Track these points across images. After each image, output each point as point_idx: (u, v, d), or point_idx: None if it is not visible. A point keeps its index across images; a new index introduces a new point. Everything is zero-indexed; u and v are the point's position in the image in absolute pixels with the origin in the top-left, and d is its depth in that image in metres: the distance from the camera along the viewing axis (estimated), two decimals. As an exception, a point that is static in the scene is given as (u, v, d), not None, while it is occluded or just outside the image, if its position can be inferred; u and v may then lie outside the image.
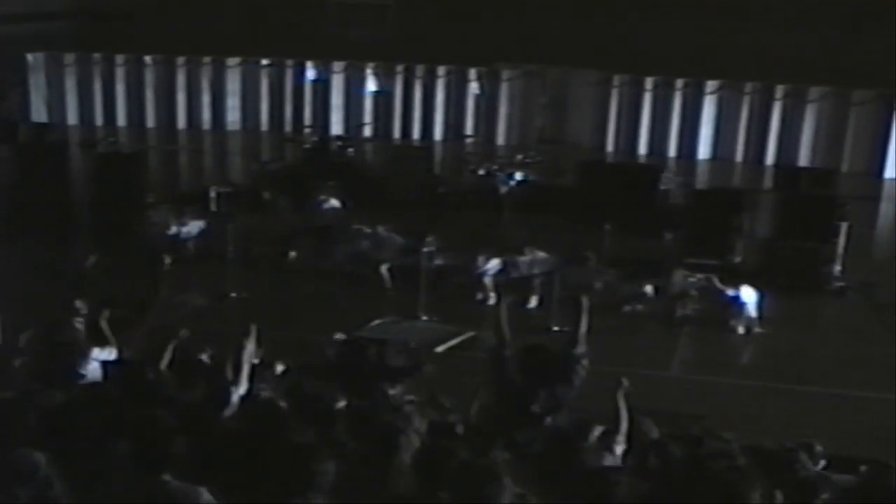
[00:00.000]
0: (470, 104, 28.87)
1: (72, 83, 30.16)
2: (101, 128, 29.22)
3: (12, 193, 18.96)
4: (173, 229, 17.69)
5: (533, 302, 15.33)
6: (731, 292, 15.12)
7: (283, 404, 7.35)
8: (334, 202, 18.86)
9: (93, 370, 8.75)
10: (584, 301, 8.54)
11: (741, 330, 15.03)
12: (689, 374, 13.39)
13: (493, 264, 15.84)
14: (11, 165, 19.64)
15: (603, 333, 8.81)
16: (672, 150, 27.51)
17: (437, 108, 29.13)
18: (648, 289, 15.54)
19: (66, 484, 5.56)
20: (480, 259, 15.90)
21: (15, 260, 16.30)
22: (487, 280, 15.76)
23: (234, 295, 15.28)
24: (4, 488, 5.49)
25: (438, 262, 16.01)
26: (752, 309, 14.99)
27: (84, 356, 8.68)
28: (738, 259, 17.75)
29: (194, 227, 17.71)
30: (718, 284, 15.33)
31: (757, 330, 14.86)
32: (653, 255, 16.93)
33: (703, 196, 19.84)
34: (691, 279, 15.49)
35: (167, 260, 16.55)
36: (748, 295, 15.00)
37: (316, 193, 19.05)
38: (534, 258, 15.90)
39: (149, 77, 30.02)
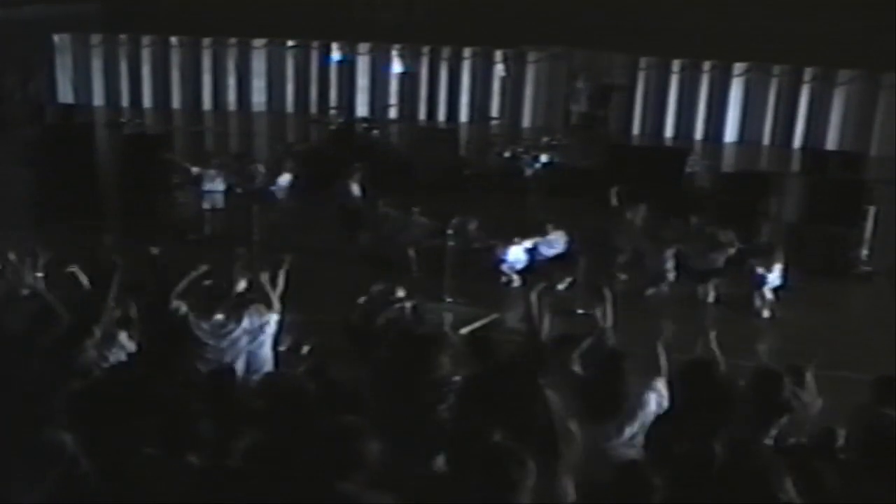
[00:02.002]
0: (496, 86, 28.81)
1: (98, 64, 30.28)
2: (127, 109, 29.34)
3: (39, 174, 19.01)
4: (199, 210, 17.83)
5: (560, 285, 15.34)
6: (760, 270, 15.07)
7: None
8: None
9: (117, 354, 8.76)
10: (606, 292, 8.48)
11: (766, 314, 14.99)
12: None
13: (518, 257, 15.96)
14: (38, 146, 19.71)
15: (626, 318, 8.73)
16: (699, 133, 27.38)
17: (463, 90, 29.10)
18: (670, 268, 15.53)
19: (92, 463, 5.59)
20: (499, 249, 15.98)
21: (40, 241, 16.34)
22: (506, 268, 15.85)
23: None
24: (32, 468, 5.52)
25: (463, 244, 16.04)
26: (777, 281, 14.97)
27: (112, 341, 8.69)
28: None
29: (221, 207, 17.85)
30: (752, 261, 15.27)
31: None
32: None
33: (729, 179, 19.75)
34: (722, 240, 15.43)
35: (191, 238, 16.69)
36: (777, 273, 14.98)
37: (341, 175, 19.04)
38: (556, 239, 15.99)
39: (175, 58, 30.12)
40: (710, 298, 15.46)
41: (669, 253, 15.63)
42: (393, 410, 6.82)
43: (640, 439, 6.93)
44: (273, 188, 19.13)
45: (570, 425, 6.24)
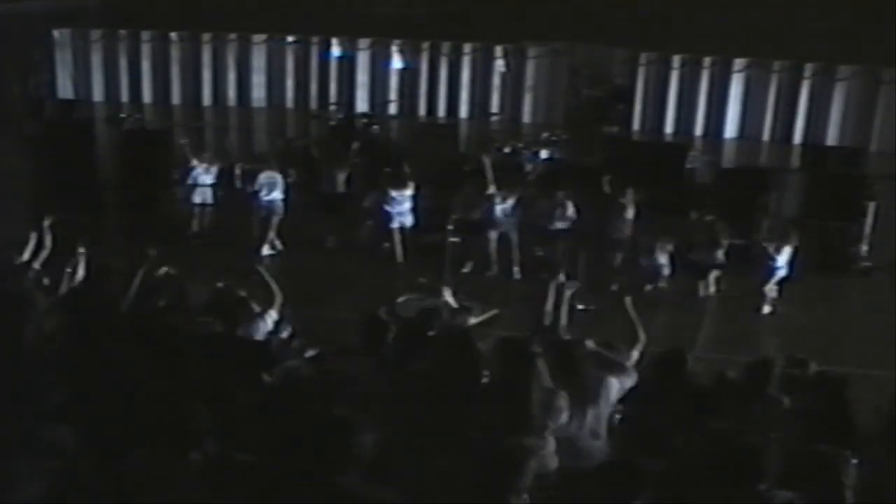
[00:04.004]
0: (496, 82, 28.78)
1: (98, 60, 30.26)
2: (127, 104, 29.31)
3: (39, 170, 18.99)
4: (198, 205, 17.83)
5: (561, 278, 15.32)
6: (773, 254, 15.03)
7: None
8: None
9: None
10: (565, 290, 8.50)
11: (767, 309, 14.98)
12: (714, 354, 13.33)
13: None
14: (38, 142, 19.69)
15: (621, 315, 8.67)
16: (699, 129, 27.35)
17: (463, 86, 29.06)
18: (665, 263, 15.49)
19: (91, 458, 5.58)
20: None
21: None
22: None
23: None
24: (31, 461, 5.51)
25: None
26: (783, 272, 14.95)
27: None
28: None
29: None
30: (765, 245, 15.21)
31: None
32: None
33: (729, 175, 19.72)
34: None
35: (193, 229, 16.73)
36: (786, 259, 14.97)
37: (340, 170, 19.03)
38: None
39: (174, 54, 30.08)
40: (711, 293, 15.45)
41: (666, 249, 15.61)
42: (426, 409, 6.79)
43: (604, 429, 7.01)
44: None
45: (558, 399, 6.32)
